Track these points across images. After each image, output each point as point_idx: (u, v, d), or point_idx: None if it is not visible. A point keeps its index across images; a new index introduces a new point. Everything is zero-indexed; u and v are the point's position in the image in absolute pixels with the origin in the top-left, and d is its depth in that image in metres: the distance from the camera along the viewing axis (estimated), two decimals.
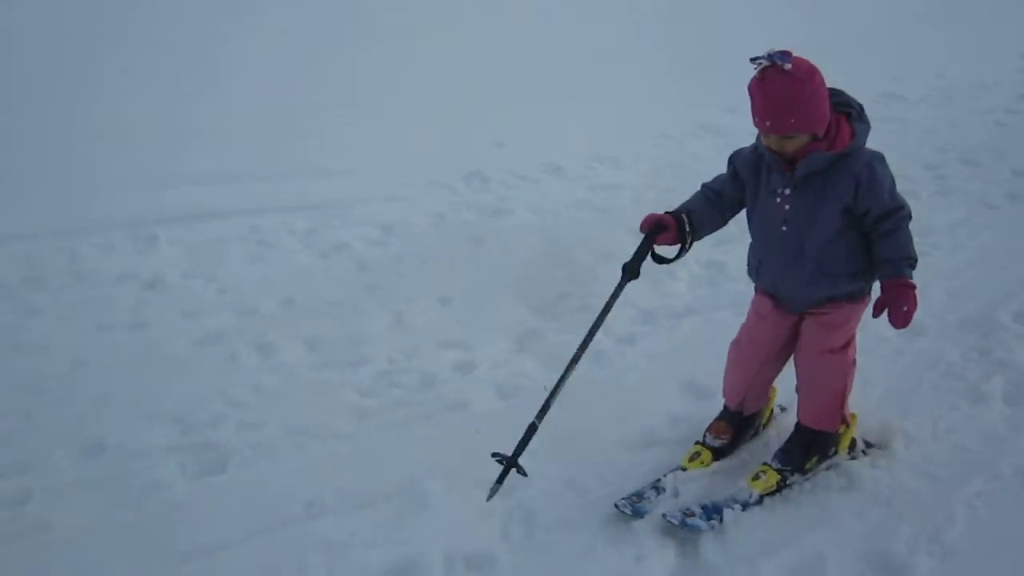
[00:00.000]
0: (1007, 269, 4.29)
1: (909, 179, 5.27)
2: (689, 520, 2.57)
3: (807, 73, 2.41)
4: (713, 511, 2.62)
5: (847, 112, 2.57)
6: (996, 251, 4.53)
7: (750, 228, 2.77)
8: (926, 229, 4.45)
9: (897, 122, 6.79)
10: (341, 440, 3.13)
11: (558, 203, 5.52)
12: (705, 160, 5.77)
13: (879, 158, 2.55)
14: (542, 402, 2.57)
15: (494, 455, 2.53)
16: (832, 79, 2.49)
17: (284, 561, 2.53)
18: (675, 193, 2.55)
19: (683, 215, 2.68)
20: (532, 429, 2.56)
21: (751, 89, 2.45)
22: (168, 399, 3.37)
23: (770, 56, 2.38)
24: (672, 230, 2.66)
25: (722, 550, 2.52)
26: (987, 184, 5.51)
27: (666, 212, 2.70)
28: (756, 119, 2.48)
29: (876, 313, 2.53)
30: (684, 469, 2.84)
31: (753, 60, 2.42)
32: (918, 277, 2.51)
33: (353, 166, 5.96)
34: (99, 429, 3.19)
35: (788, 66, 2.36)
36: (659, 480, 2.79)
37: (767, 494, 2.72)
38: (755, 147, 2.67)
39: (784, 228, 2.61)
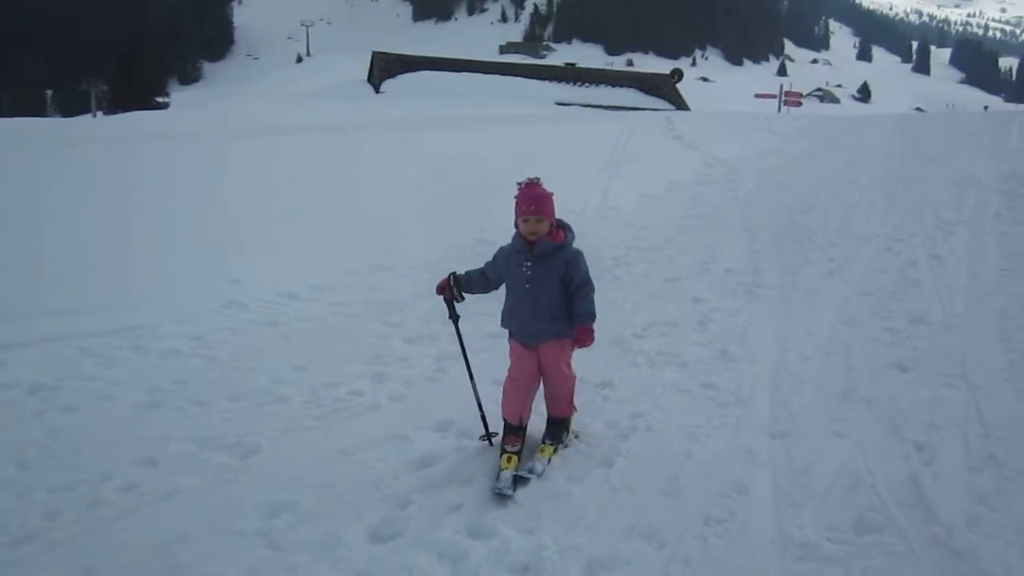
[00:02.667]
0: (622, 311, 7.29)
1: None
2: (523, 474, 4.10)
3: (547, 191, 4.22)
4: (531, 469, 4.17)
5: (561, 225, 4.31)
6: (617, 303, 7.48)
7: (507, 288, 4.38)
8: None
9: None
10: (316, 432, 4.65)
11: (315, 314, 7.24)
12: (386, 285, 7.99)
13: (580, 253, 4.27)
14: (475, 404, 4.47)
15: (480, 437, 4.42)
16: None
17: (354, 476, 4.15)
18: (384, 302, 4.54)
19: (452, 278, 4.38)
20: (483, 417, 4.43)
21: (520, 193, 4.16)
22: (167, 433, 4.50)
23: (530, 179, 4.21)
24: (449, 289, 4.40)
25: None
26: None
27: (449, 273, 4.41)
28: (523, 208, 4.15)
29: (573, 345, 4.32)
30: (504, 468, 4.13)
31: (519, 183, 4.21)
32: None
33: (135, 300, 6.98)
34: (141, 452, 4.25)
35: (540, 182, 4.22)
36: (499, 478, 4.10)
37: (550, 457, 4.32)
38: (511, 245, 4.32)
39: (528, 286, 4.24)
